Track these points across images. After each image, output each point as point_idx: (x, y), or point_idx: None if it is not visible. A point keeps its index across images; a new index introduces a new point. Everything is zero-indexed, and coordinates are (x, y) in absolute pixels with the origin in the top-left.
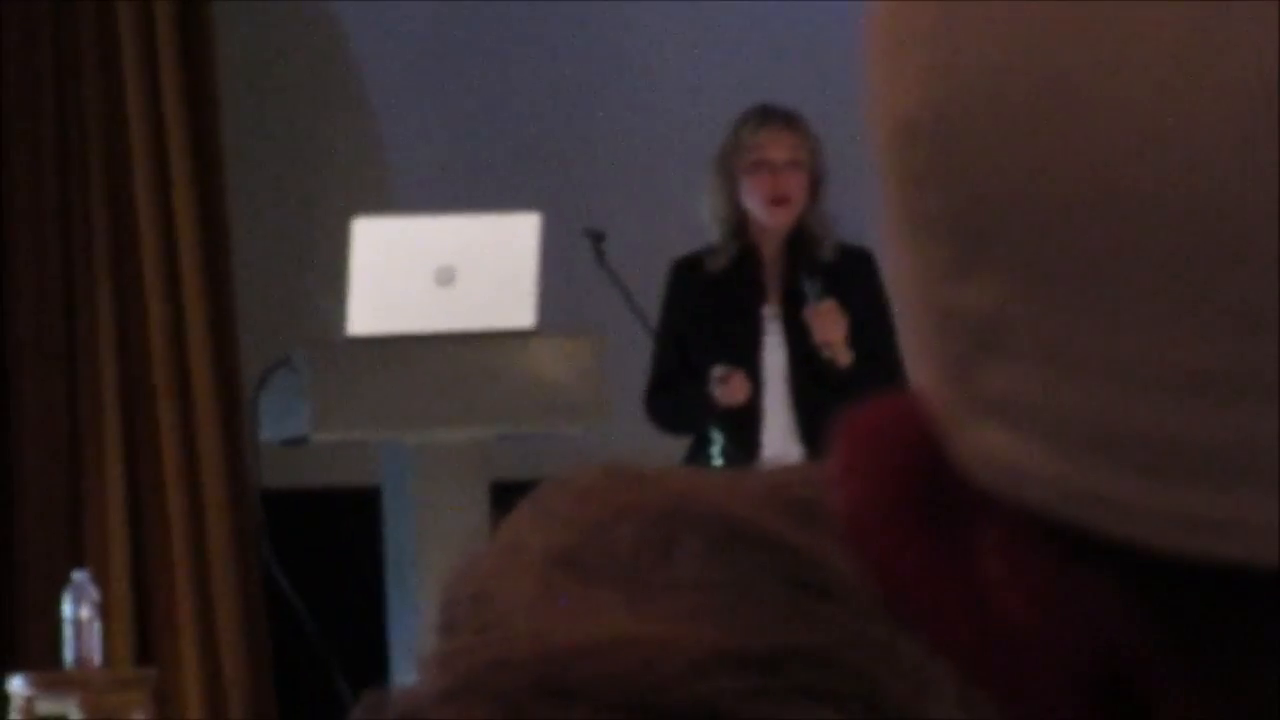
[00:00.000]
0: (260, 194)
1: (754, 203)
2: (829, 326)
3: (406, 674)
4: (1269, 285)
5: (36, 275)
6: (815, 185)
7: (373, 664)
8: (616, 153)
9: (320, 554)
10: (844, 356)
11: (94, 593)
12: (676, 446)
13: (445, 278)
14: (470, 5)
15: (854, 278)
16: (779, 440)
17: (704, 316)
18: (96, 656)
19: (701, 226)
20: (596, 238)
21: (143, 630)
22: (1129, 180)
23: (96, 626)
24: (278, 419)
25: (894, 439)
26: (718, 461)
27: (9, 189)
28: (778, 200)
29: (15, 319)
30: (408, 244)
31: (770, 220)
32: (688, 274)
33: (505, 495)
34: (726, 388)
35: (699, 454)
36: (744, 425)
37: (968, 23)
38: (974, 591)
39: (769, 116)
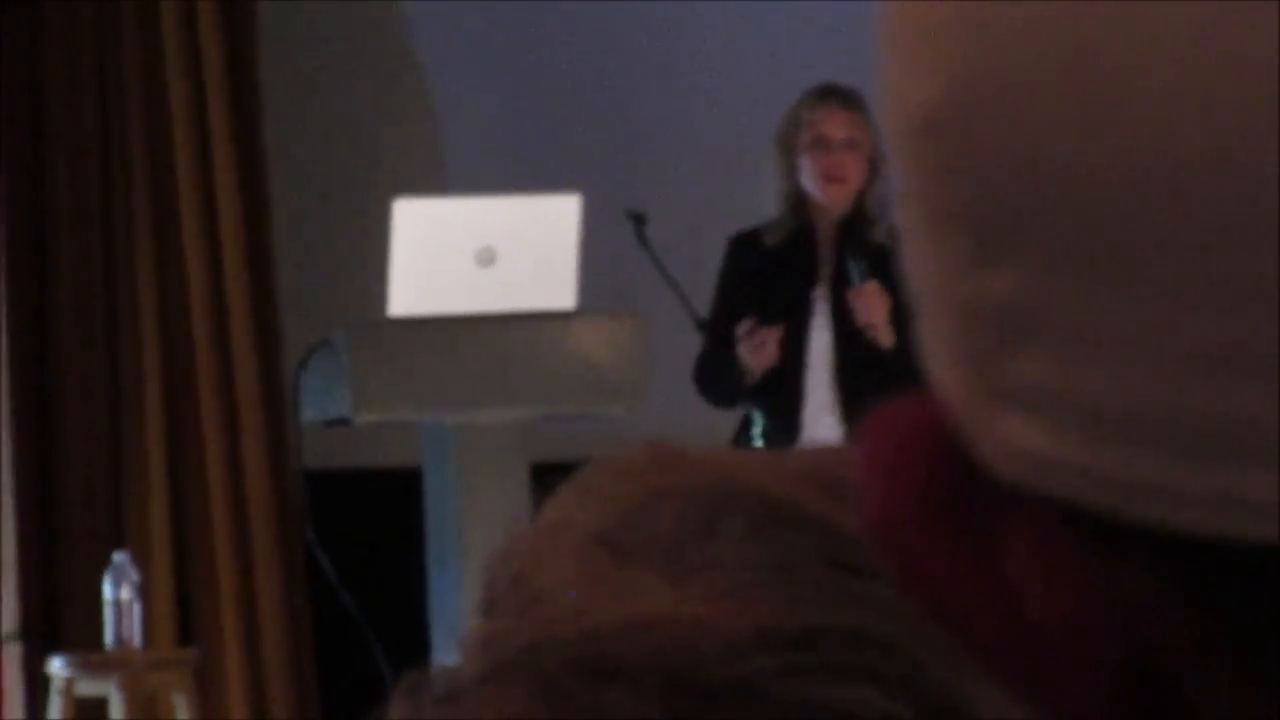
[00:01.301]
0: (301, 175)
1: (810, 180)
2: (871, 308)
3: (447, 654)
4: None
5: (79, 259)
6: (874, 166)
7: (414, 645)
8: (658, 134)
9: (361, 535)
10: (886, 338)
11: (134, 574)
12: (718, 427)
13: (486, 258)
14: None
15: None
16: (820, 422)
17: (756, 293)
18: (137, 638)
19: (742, 208)
20: (638, 219)
21: (184, 611)
22: (1151, 161)
23: (137, 608)
24: (319, 400)
25: (918, 438)
26: (759, 443)
27: (50, 173)
28: (831, 179)
29: (58, 303)
30: (449, 225)
31: (824, 198)
32: (744, 249)
33: (546, 476)
34: (752, 346)
35: (741, 435)
36: (786, 405)
37: (981, 12)
38: (1004, 589)
39: (828, 94)
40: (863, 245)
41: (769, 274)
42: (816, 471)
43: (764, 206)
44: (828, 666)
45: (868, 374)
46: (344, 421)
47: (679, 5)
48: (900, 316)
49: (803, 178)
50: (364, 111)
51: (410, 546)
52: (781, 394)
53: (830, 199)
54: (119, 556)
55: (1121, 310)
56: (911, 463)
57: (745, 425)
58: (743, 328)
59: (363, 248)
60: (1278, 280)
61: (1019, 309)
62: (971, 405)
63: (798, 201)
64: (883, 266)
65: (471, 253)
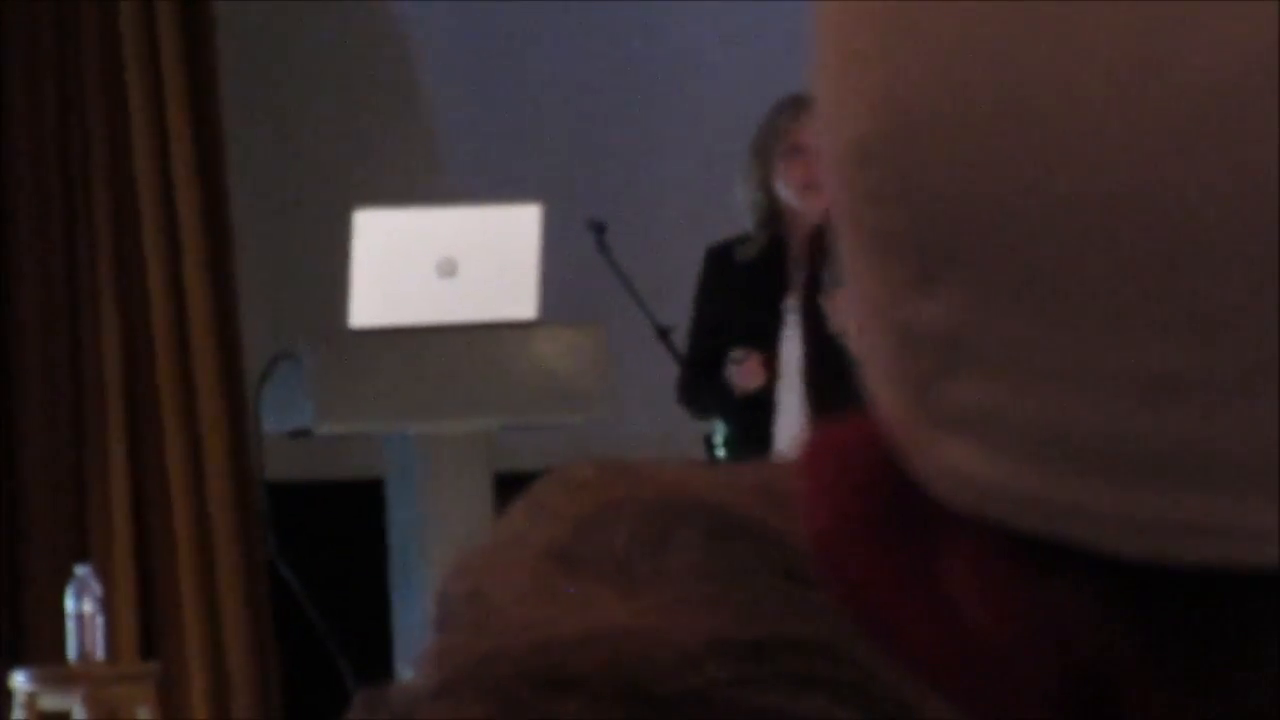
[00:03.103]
0: (263, 187)
1: (787, 188)
2: (844, 313)
3: (412, 666)
4: (1220, 286)
5: (40, 271)
6: None
7: (378, 656)
8: (618, 143)
9: (325, 546)
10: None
11: (97, 587)
12: (681, 435)
13: (447, 269)
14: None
15: None
16: (791, 432)
17: (730, 306)
18: (100, 651)
19: (701, 217)
20: (598, 228)
21: (147, 624)
22: (1083, 187)
23: (100, 621)
24: (281, 411)
25: (859, 457)
26: (722, 452)
27: (13, 185)
28: (810, 185)
29: (19, 313)
30: (409, 235)
31: (803, 206)
32: (718, 262)
33: (509, 486)
34: (741, 370)
35: (705, 444)
36: (758, 416)
37: (915, 40)
38: (943, 607)
39: (806, 104)
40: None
41: (743, 288)
42: (768, 484)
43: (726, 215)
44: (781, 676)
45: (838, 383)
46: (306, 433)
47: (639, 15)
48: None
49: (780, 186)
50: (324, 122)
51: (373, 557)
52: (754, 403)
53: (808, 205)
54: (81, 570)
55: (1055, 336)
56: (852, 481)
57: (709, 434)
58: (736, 355)
59: (324, 259)
60: (1205, 305)
61: (956, 334)
62: (910, 427)
63: (771, 212)
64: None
65: (433, 263)
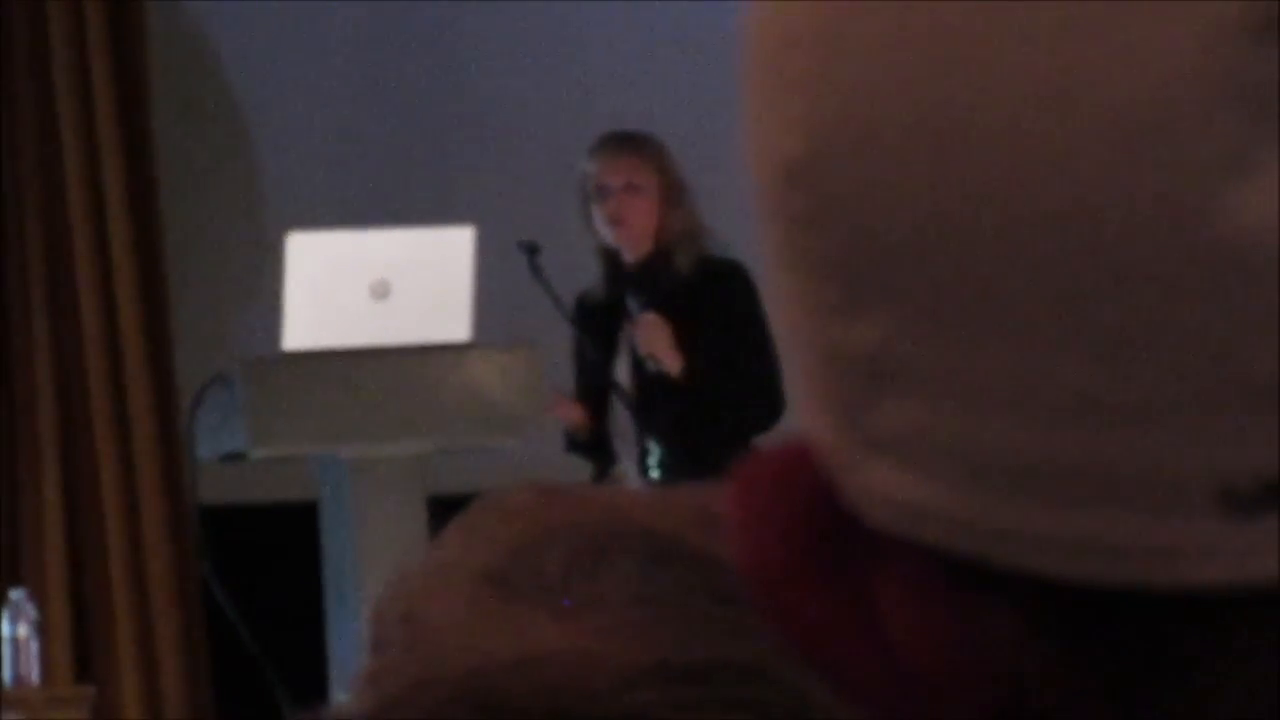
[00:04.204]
0: (194, 211)
1: (600, 228)
2: (649, 338)
3: (347, 688)
4: (1135, 307)
5: None
6: (666, 204)
7: (313, 679)
8: (550, 165)
9: (259, 569)
10: (673, 366)
11: (31, 611)
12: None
13: (380, 291)
14: (404, 18)
15: (709, 291)
16: (628, 455)
17: (586, 349)
18: (35, 675)
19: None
20: (531, 250)
21: (81, 648)
22: (1004, 212)
23: (34, 645)
24: (215, 435)
25: (790, 484)
26: (656, 473)
27: None
28: (613, 223)
29: None
30: (342, 258)
31: (615, 243)
32: (579, 309)
33: (443, 509)
34: (559, 413)
35: (640, 465)
36: (601, 441)
37: (841, 67)
38: (876, 632)
39: (604, 144)
40: (671, 279)
41: (594, 329)
42: (703, 508)
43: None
44: (716, 700)
45: (659, 404)
46: (240, 456)
47: (572, 37)
48: (694, 342)
49: (597, 226)
50: (255, 145)
51: (308, 581)
52: (598, 430)
53: (620, 242)
54: (15, 594)
55: (978, 359)
56: (784, 509)
57: (642, 455)
58: (548, 404)
59: (257, 282)
60: (1120, 327)
61: (883, 357)
62: (840, 451)
63: (606, 250)
64: (683, 295)
65: (366, 286)
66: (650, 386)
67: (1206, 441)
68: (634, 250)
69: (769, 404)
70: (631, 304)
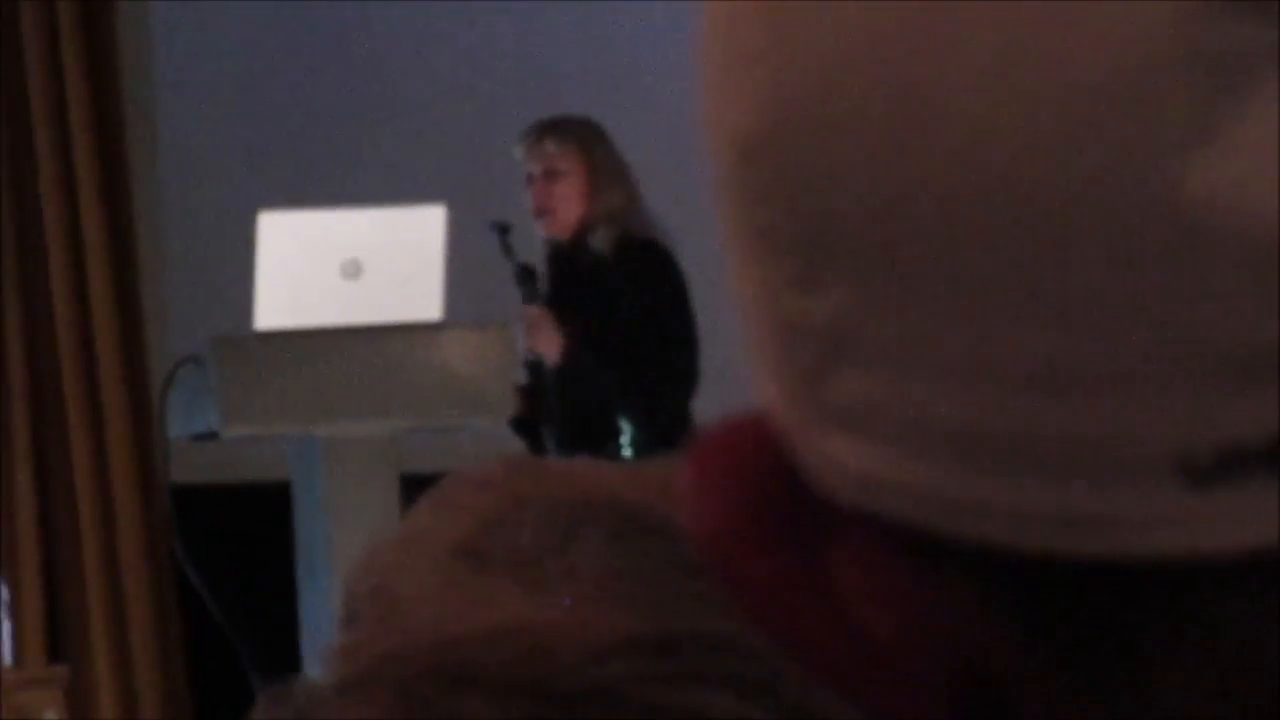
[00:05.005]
0: (165, 191)
1: (532, 216)
2: (529, 333)
3: (319, 667)
4: (1093, 277)
5: None
6: (592, 188)
7: (286, 658)
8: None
9: (231, 549)
10: (550, 356)
11: (4, 592)
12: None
13: (352, 271)
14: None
15: (626, 271)
16: (554, 437)
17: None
18: (7, 656)
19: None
20: (502, 230)
21: (54, 629)
22: (960, 182)
23: (7, 626)
24: (187, 415)
25: (748, 455)
26: (628, 452)
27: None
28: (540, 211)
29: None
30: (314, 238)
31: (542, 231)
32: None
33: (415, 488)
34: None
35: (610, 445)
36: (534, 426)
37: (799, 38)
38: (836, 606)
39: (529, 132)
40: (587, 260)
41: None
42: (674, 480)
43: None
44: (687, 672)
45: (577, 387)
46: (212, 436)
47: (538, 19)
48: (613, 326)
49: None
50: (225, 124)
51: (280, 561)
52: (531, 415)
53: (545, 230)
54: None
55: (937, 330)
56: (740, 479)
57: (614, 435)
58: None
59: (228, 262)
60: (1078, 297)
61: (840, 329)
62: (797, 423)
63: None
64: (609, 277)
65: (337, 265)
66: (539, 373)
67: (1164, 412)
68: (559, 237)
69: (681, 382)
70: (522, 292)
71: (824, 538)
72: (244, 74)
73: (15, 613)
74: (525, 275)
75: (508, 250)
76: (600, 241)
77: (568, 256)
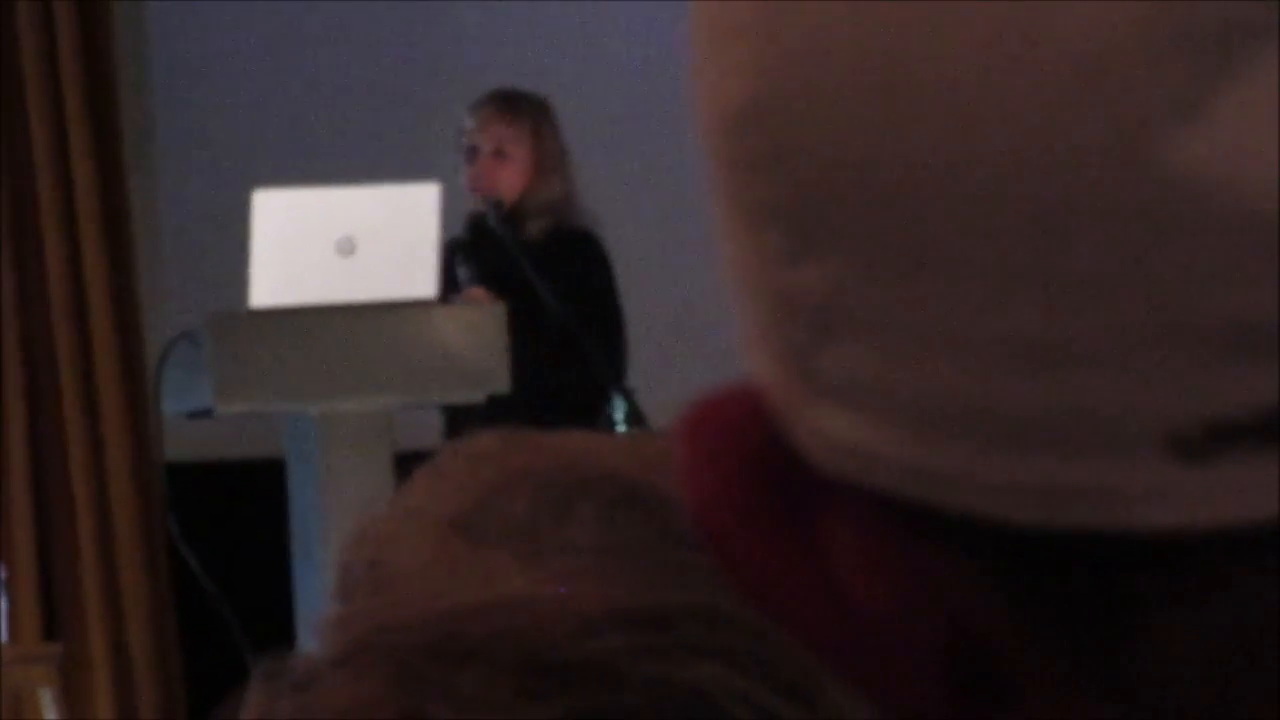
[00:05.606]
0: (159, 167)
1: (465, 187)
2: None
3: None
4: (1081, 253)
5: None
6: (536, 173)
7: (280, 635)
8: None
9: (226, 526)
10: None
11: None
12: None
13: (346, 248)
14: None
15: (559, 260)
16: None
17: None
18: (2, 633)
19: (596, 191)
20: (496, 206)
21: (48, 606)
22: (956, 155)
23: (2, 604)
24: (181, 392)
25: (739, 427)
26: (622, 426)
27: None
28: (477, 188)
29: None
30: (308, 215)
31: (476, 207)
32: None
33: (410, 465)
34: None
35: (604, 418)
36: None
37: (791, 10)
38: (827, 577)
39: (484, 103)
40: (518, 246)
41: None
42: (670, 453)
43: (619, 190)
44: (682, 645)
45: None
46: (206, 413)
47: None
48: (539, 313)
49: (463, 184)
50: (220, 102)
51: (275, 538)
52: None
53: (480, 206)
54: None
55: (931, 303)
56: (733, 452)
57: (608, 407)
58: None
59: (223, 239)
60: (1078, 273)
61: (831, 302)
62: (788, 395)
63: (471, 206)
64: (542, 267)
65: (332, 242)
66: None
67: (1154, 386)
68: (492, 214)
69: (597, 376)
70: (461, 274)
71: (815, 510)
72: (238, 53)
73: (9, 590)
74: (470, 252)
75: (504, 225)
76: (534, 229)
77: (494, 235)
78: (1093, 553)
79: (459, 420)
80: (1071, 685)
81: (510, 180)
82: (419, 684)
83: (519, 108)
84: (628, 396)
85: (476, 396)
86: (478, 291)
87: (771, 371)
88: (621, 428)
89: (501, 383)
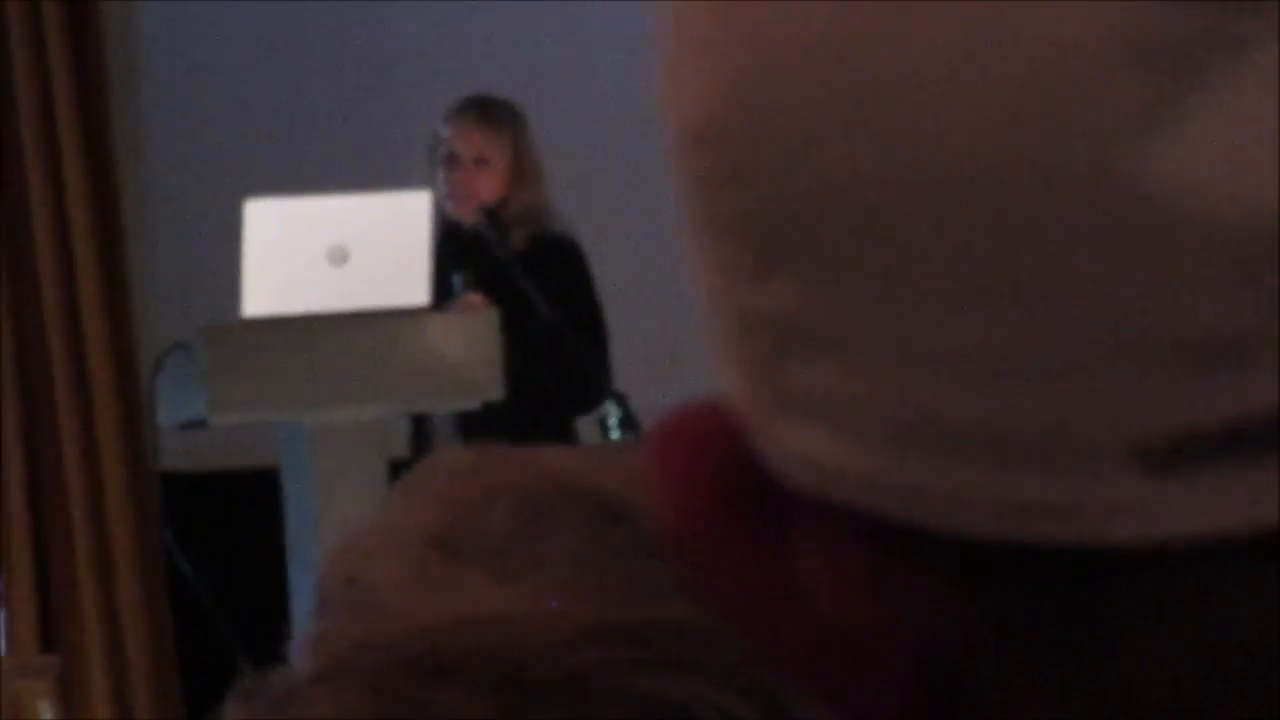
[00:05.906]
0: (152, 178)
1: (442, 196)
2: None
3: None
4: (1047, 266)
5: None
6: (513, 180)
7: (275, 646)
8: None
9: (221, 536)
10: None
11: None
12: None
13: (338, 257)
14: None
15: (543, 267)
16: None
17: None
18: (1, 645)
19: (587, 201)
20: (488, 213)
21: (46, 618)
22: (911, 172)
23: (0, 615)
24: (175, 402)
25: (710, 443)
26: (616, 434)
27: None
28: (458, 197)
29: None
30: (300, 224)
31: (455, 213)
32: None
33: (403, 473)
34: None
35: (599, 426)
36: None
37: (756, 27)
38: (798, 594)
39: (464, 109)
40: (503, 252)
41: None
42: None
43: (611, 199)
44: (657, 659)
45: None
46: (201, 423)
47: (521, 2)
48: (525, 321)
49: (440, 192)
50: (211, 112)
51: (270, 547)
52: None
53: (460, 214)
54: None
55: (894, 319)
56: (704, 466)
57: (602, 417)
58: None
59: (215, 249)
60: (1040, 288)
61: (797, 319)
62: (757, 412)
63: (445, 213)
64: (526, 274)
65: (324, 251)
66: None
67: (1119, 399)
68: (470, 222)
69: (592, 380)
70: (456, 281)
71: (786, 525)
72: (230, 62)
73: (7, 603)
74: (460, 260)
75: (497, 233)
76: (517, 236)
77: (472, 243)
78: (1064, 566)
79: (424, 430)
80: (1041, 698)
81: (489, 188)
82: (397, 701)
83: (498, 116)
84: (621, 401)
85: (471, 404)
86: (474, 298)
87: (739, 386)
88: (616, 433)
89: (495, 390)
